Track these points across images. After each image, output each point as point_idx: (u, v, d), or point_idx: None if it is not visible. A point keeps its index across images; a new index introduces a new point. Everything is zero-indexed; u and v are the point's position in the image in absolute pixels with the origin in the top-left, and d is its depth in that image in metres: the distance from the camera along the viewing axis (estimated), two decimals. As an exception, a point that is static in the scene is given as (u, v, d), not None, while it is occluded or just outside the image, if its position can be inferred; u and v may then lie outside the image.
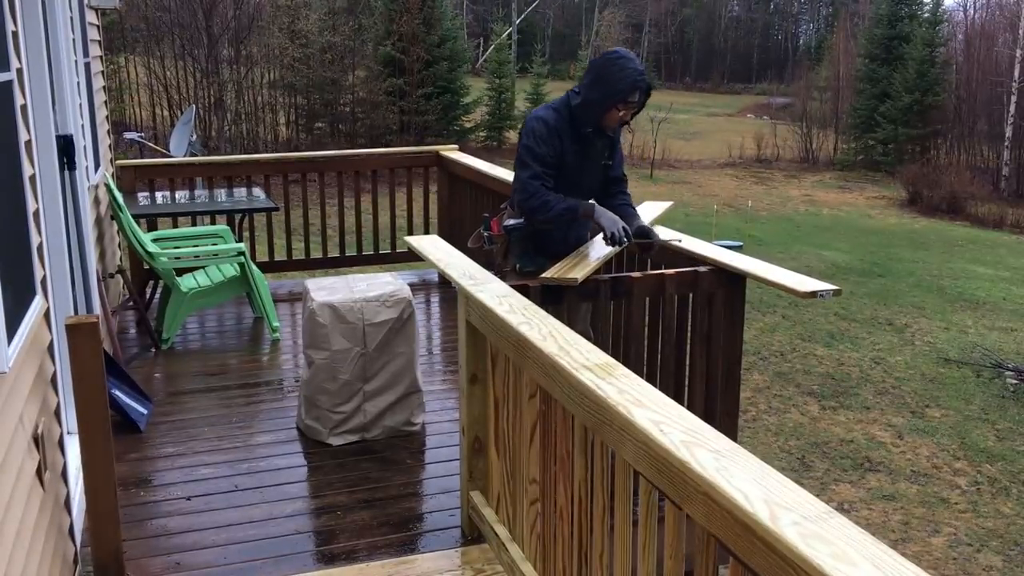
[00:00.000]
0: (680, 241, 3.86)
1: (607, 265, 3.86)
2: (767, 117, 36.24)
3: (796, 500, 1.61)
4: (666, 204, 4.50)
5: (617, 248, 3.63)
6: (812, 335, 11.85)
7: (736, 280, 3.65)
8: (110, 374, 4.13)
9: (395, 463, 4.03)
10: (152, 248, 5.57)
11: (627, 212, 3.85)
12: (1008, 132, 25.33)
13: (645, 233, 3.75)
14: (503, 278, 3.63)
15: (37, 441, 2.65)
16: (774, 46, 57.42)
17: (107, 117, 7.20)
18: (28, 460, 2.53)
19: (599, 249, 3.78)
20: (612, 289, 3.56)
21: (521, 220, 3.75)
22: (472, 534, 3.42)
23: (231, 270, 5.79)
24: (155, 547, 3.34)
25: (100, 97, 6.71)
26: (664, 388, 3.62)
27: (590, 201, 3.70)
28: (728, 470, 1.71)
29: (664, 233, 3.95)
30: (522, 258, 3.79)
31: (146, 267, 5.90)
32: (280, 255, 7.44)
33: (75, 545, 3.19)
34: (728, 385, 3.74)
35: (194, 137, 12.32)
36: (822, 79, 33.71)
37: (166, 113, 21.10)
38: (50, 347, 3.08)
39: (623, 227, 3.58)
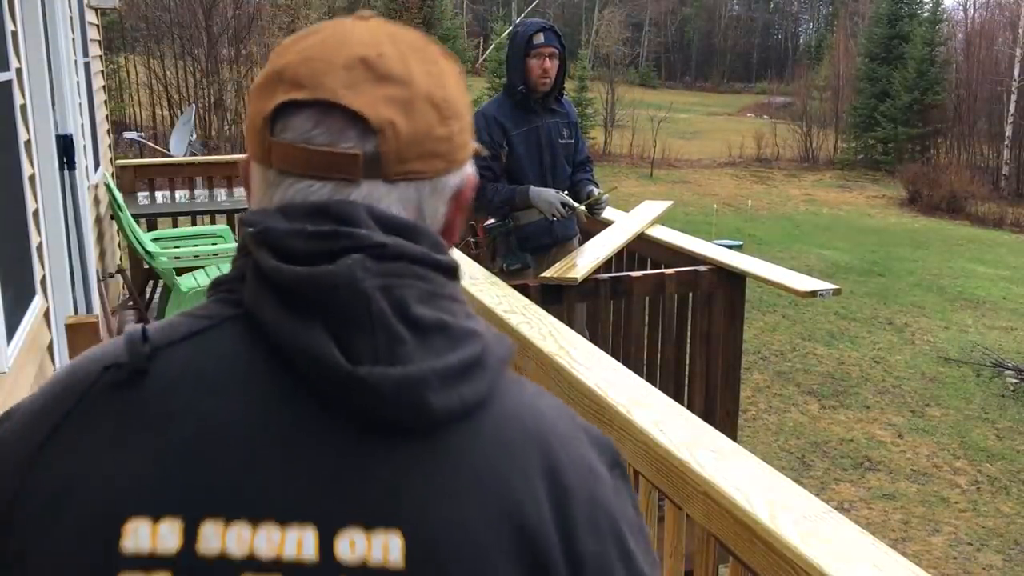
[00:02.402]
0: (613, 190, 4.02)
1: (607, 265, 3.86)
2: (767, 116, 36.23)
3: (796, 499, 1.61)
4: (666, 204, 4.50)
5: (563, 218, 3.76)
6: (812, 334, 11.85)
7: (736, 279, 3.65)
8: (110, 374, 4.12)
9: (395, 463, 4.01)
10: (152, 248, 5.57)
11: (584, 184, 3.96)
12: (1008, 131, 25.33)
13: (589, 194, 3.87)
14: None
15: (37, 441, 2.65)
16: (774, 45, 57.42)
17: (107, 117, 7.21)
18: (28, 460, 2.53)
19: (598, 248, 3.78)
20: (612, 289, 3.56)
21: (498, 222, 3.77)
22: (472, 534, 3.41)
23: (231, 270, 5.78)
24: (155, 547, 3.33)
25: (100, 97, 6.71)
26: (664, 388, 3.62)
27: (524, 186, 3.73)
28: (728, 470, 1.71)
29: (665, 231, 3.95)
30: (507, 257, 3.78)
31: (146, 267, 5.90)
32: (280, 255, 7.42)
33: (75, 545, 3.18)
34: (728, 384, 3.74)
35: (194, 137, 12.33)
36: (822, 78, 33.71)
37: (166, 113, 21.10)
38: (50, 347, 3.08)
39: (560, 203, 3.66)
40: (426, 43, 0.78)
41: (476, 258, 3.85)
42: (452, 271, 0.75)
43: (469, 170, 0.80)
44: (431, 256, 0.73)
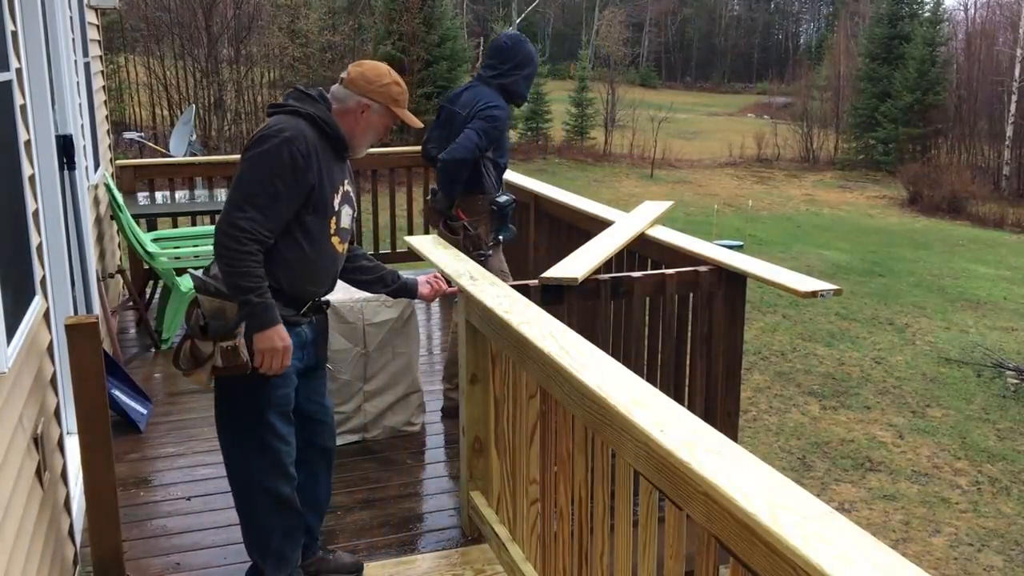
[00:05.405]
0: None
1: (607, 265, 3.86)
2: (768, 116, 36.22)
3: (796, 500, 1.60)
4: (666, 204, 4.50)
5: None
6: (813, 335, 11.85)
7: (737, 280, 3.64)
8: (110, 374, 4.13)
9: (395, 463, 4.02)
10: (152, 248, 5.57)
11: None
12: (1009, 131, 25.33)
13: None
14: (490, 254, 4.21)
15: (36, 442, 2.65)
16: (775, 45, 57.43)
17: (107, 117, 7.20)
18: (28, 461, 2.53)
19: (599, 248, 3.78)
20: (612, 289, 3.55)
21: (510, 197, 4.25)
22: (472, 534, 3.42)
23: (231, 270, 5.77)
24: (155, 547, 3.33)
25: (100, 97, 6.70)
26: (664, 388, 3.62)
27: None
28: (728, 470, 1.71)
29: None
30: (503, 229, 4.28)
31: (146, 267, 5.90)
32: (280, 255, 7.40)
33: (75, 545, 3.19)
34: (729, 385, 3.74)
35: (194, 137, 12.34)
36: (823, 78, 33.71)
37: (166, 113, 21.09)
38: (49, 347, 3.08)
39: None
40: (360, 68, 2.88)
41: (476, 237, 4.24)
42: (327, 101, 2.85)
43: (344, 85, 2.85)
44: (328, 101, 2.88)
